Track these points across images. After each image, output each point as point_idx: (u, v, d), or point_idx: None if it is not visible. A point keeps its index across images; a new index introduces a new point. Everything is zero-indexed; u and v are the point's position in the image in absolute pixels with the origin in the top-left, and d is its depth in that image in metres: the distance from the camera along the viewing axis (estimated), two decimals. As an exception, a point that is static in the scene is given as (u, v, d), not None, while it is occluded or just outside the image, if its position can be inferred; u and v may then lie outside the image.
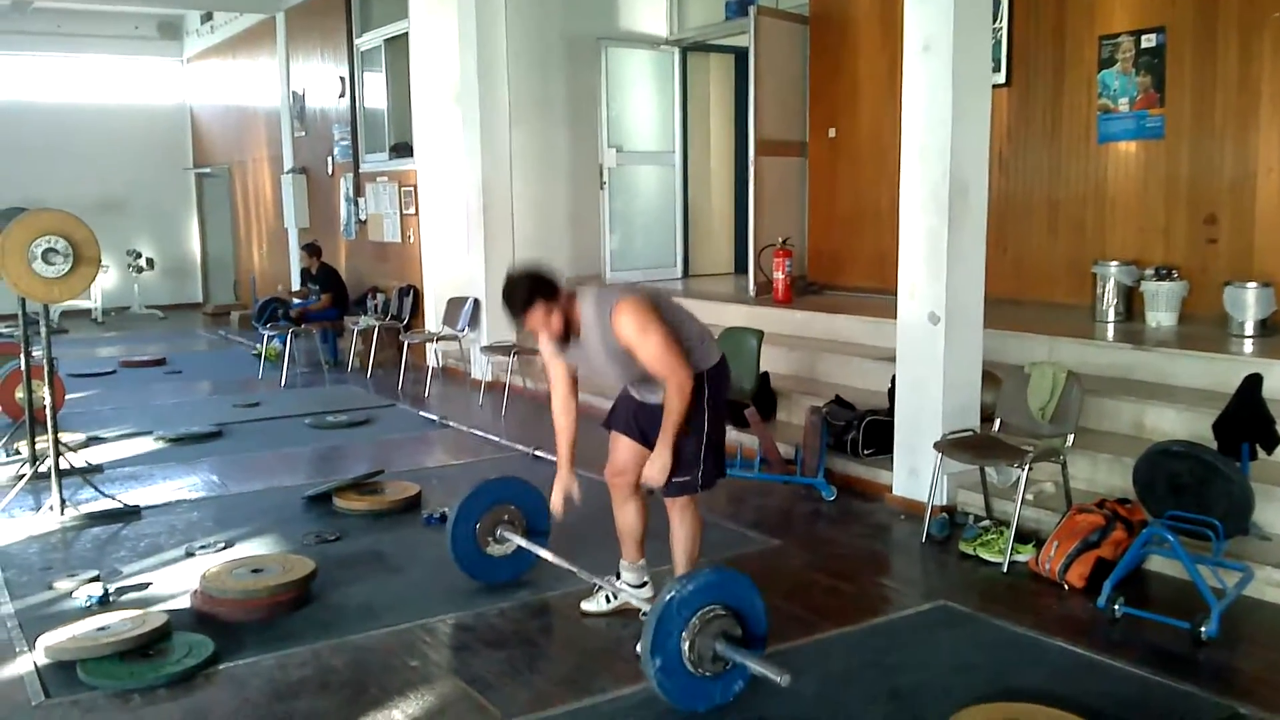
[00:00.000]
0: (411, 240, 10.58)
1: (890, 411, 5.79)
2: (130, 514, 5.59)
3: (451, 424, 7.84)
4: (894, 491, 5.63)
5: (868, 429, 5.97)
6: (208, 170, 16.57)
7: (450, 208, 9.79)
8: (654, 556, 4.17)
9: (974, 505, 5.28)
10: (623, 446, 4.02)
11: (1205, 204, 6.75)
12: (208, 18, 15.35)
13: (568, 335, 3.73)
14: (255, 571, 4.35)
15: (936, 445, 5.11)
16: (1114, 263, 6.86)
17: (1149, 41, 6.93)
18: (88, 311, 15.42)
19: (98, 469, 6.40)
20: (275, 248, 14.39)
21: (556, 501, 4.04)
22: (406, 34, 10.12)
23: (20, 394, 6.45)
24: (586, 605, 4.17)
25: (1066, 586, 4.37)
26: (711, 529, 5.22)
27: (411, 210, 10.49)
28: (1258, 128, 6.49)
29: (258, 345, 10.99)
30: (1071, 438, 4.94)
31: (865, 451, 5.96)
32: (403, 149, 10.74)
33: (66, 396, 7.80)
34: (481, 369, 9.06)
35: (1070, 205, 7.48)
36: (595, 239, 10.33)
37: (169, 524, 5.47)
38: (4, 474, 6.20)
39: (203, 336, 13.88)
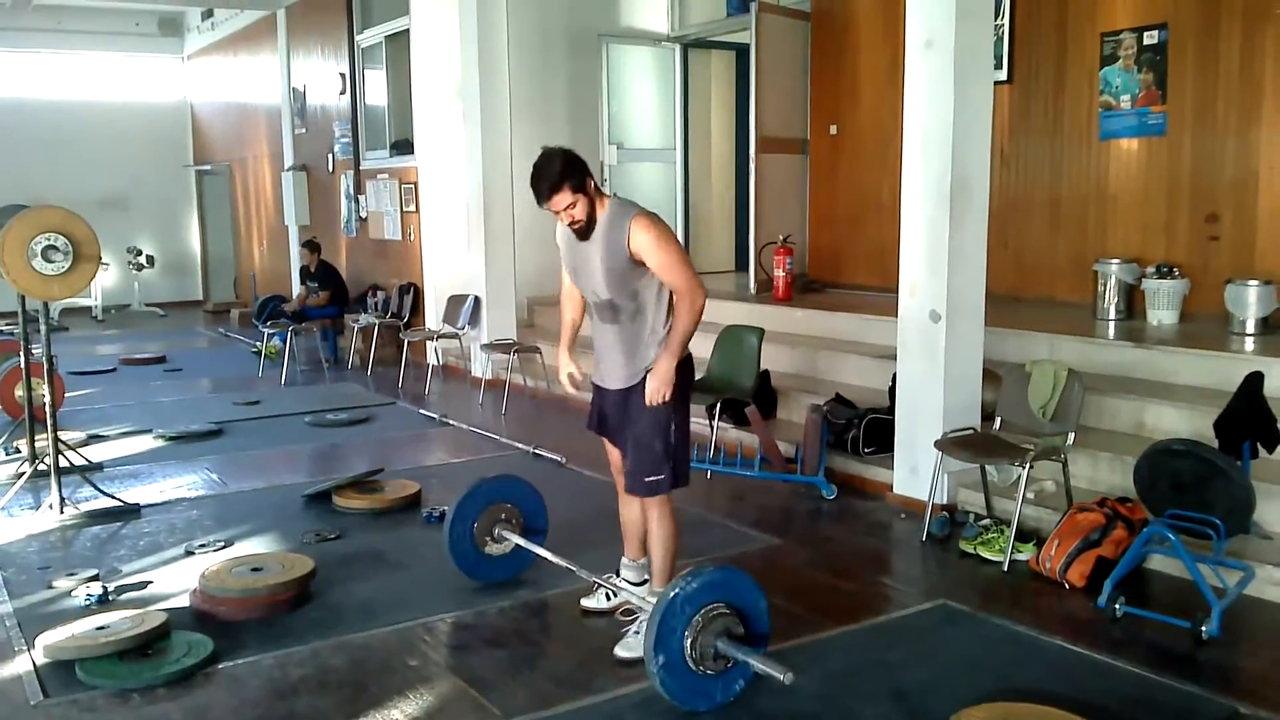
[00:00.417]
0: (412, 238, 10.57)
1: (891, 410, 5.78)
2: (130, 512, 5.58)
3: (451, 422, 7.83)
4: (894, 490, 5.62)
5: (868, 427, 5.96)
6: (208, 167, 16.57)
7: (451, 205, 9.78)
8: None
9: (975, 504, 5.27)
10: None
11: (1207, 201, 6.74)
12: (208, 14, 15.34)
13: (583, 230, 3.69)
14: (255, 570, 4.35)
15: (937, 444, 5.10)
16: (1115, 260, 6.84)
17: (1151, 38, 6.91)
18: (88, 309, 15.42)
19: (97, 467, 6.40)
20: (276, 245, 14.38)
21: (564, 381, 4.15)
22: (407, 30, 10.11)
23: (20, 392, 6.45)
24: (586, 602, 4.16)
25: (1067, 585, 4.36)
26: (712, 527, 5.24)
27: (412, 207, 10.48)
28: (1260, 125, 6.48)
29: (258, 343, 10.99)
30: (1072, 436, 4.93)
31: (866, 450, 5.95)
32: (403, 146, 10.73)
33: (66, 394, 7.79)
34: (482, 367, 9.05)
35: (1072, 203, 7.47)
36: (596, 236, 10.29)
37: (168, 522, 5.46)
38: (3, 472, 6.19)
39: (203, 334, 13.88)
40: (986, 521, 4.97)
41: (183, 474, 6.44)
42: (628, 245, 3.62)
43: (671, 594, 3.25)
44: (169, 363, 11.02)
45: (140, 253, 15.77)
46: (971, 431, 5.22)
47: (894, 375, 5.76)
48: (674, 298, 3.75)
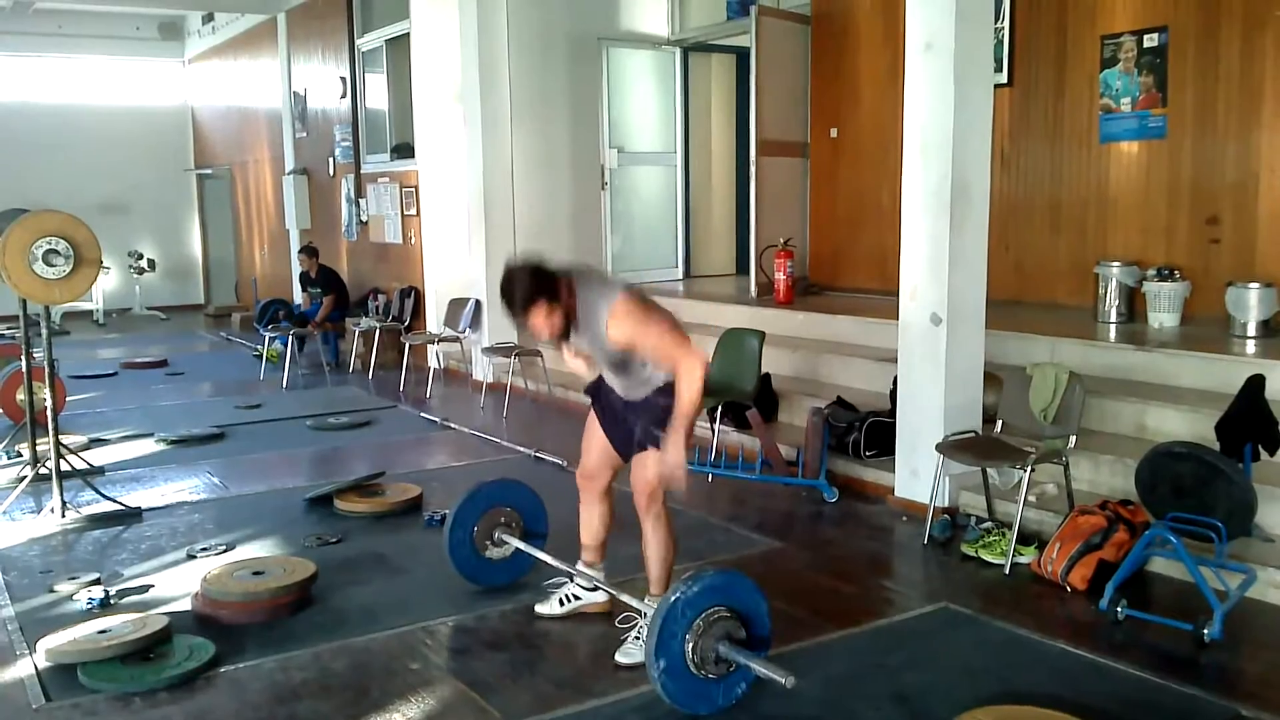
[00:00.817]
0: (413, 241, 10.58)
1: (892, 413, 5.78)
2: (131, 516, 5.59)
3: (453, 426, 7.83)
4: (896, 493, 5.62)
5: (869, 430, 5.96)
6: (209, 171, 16.58)
7: (451, 209, 9.79)
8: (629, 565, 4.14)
9: (976, 507, 5.27)
10: (596, 449, 3.99)
11: (1207, 204, 6.74)
12: (209, 19, 15.36)
13: (568, 329, 3.60)
14: (256, 574, 4.35)
15: (938, 447, 5.10)
16: (1116, 263, 6.85)
17: (1151, 41, 6.92)
18: (89, 313, 15.42)
19: (99, 471, 6.39)
20: (277, 249, 14.39)
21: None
22: (408, 34, 10.12)
23: (21, 396, 6.45)
24: (540, 608, 4.17)
25: (1069, 588, 4.36)
26: (713, 530, 5.24)
27: (413, 211, 10.48)
28: (1260, 127, 6.48)
29: (259, 347, 10.99)
30: (1073, 439, 4.92)
31: (867, 453, 5.95)
32: (404, 150, 10.74)
33: (68, 398, 7.79)
34: (483, 370, 9.05)
35: (1072, 205, 7.47)
36: (596, 240, 10.32)
37: (170, 526, 5.46)
38: (5, 476, 6.19)
39: (204, 338, 13.88)
40: (988, 524, 4.97)
41: (184, 478, 6.44)
42: (609, 336, 3.54)
43: (672, 598, 3.25)
44: (170, 366, 11.02)
45: (141, 257, 15.78)
46: (973, 434, 5.22)
47: (895, 378, 5.76)
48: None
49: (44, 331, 5.69)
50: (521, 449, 6.95)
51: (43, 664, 3.77)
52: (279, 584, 4.25)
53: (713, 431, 6.39)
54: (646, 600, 3.81)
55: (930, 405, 5.37)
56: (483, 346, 8.99)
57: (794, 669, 3.22)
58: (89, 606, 4.30)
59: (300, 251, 11.16)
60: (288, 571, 4.38)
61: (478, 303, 9.21)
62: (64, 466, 5.59)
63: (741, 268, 10.60)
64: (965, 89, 5.18)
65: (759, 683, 3.39)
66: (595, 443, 4.00)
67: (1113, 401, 5.55)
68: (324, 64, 12.34)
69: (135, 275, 15.81)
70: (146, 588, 4.57)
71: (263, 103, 14.29)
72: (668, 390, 3.61)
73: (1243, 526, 4.24)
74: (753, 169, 8.79)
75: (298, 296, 11.78)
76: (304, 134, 13.09)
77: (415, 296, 10.54)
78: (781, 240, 8.52)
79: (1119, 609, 4.04)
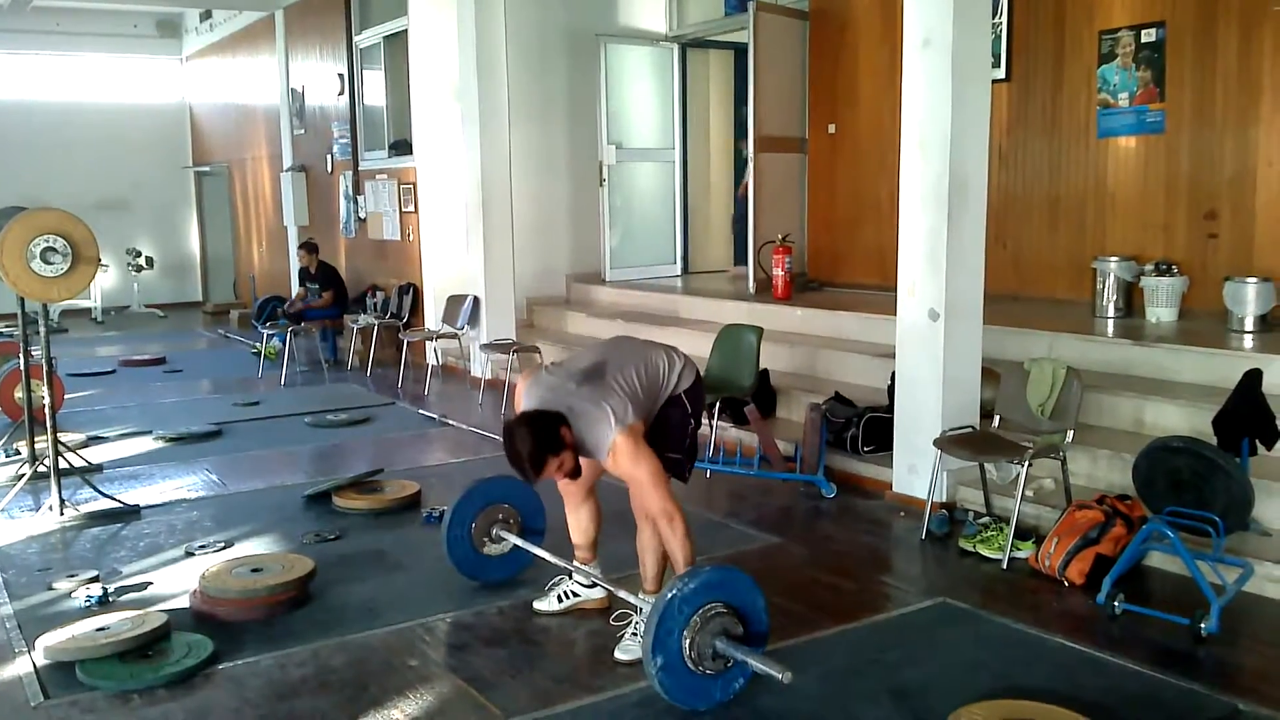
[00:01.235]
0: (411, 238, 10.57)
1: (890, 408, 5.79)
2: (129, 514, 5.59)
3: (451, 422, 7.84)
4: (894, 488, 5.62)
5: (867, 426, 5.97)
6: (207, 169, 16.56)
7: (450, 205, 9.78)
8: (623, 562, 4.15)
9: (974, 502, 5.28)
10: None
11: (1205, 199, 6.75)
12: (206, 16, 15.33)
13: (578, 466, 3.65)
14: (255, 571, 4.35)
15: (936, 442, 5.10)
16: (1114, 258, 6.85)
17: (1149, 36, 6.92)
18: (87, 311, 15.40)
19: (97, 469, 6.40)
20: (275, 246, 14.38)
21: None
22: (406, 31, 10.10)
23: (19, 394, 6.45)
24: (539, 605, 4.18)
25: (1066, 583, 4.36)
26: (711, 526, 5.24)
27: (411, 208, 10.47)
28: (1258, 122, 6.48)
29: (257, 344, 10.98)
30: (1071, 434, 4.93)
31: (865, 448, 5.95)
32: (402, 146, 10.73)
33: (66, 396, 7.79)
34: (481, 367, 9.06)
35: (1070, 201, 7.48)
36: (595, 236, 10.32)
37: (168, 524, 5.46)
38: (3, 474, 6.19)
39: (202, 335, 13.88)
40: (986, 519, 4.98)
41: (183, 475, 6.44)
42: (609, 465, 3.62)
43: (669, 594, 3.25)
44: (168, 364, 11.01)
45: (139, 254, 15.75)
46: (970, 430, 5.23)
47: (893, 374, 5.76)
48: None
49: (42, 329, 5.68)
50: (520, 445, 6.93)
51: (41, 661, 3.77)
52: (277, 581, 4.26)
53: (711, 427, 6.39)
54: (641, 596, 3.81)
55: (928, 401, 5.37)
56: (481, 343, 8.98)
57: (791, 664, 3.22)
58: (87, 604, 4.30)
59: (300, 247, 11.15)
60: (286, 568, 4.39)
61: (475, 299, 9.21)
62: (62, 464, 5.60)
63: (740, 263, 10.59)
64: (963, 85, 5.18)
65: (756, 678, 3.39)
66: None
67: (1110, 396, 5.55)
68: (322, 61, 12.33)
69: (133, 273, 15.79)
70: (145, 585, 4.58)
71: (261, 100, 14.27)
72: (672, 401, 3.76)
73: (1240, 521, 4.25)
74: (751, 165, 8.80)
75: (293, 292, 11.76)
76: (302, 131, 13.07)
77: (413, 293, 10.53)
78: (780, 236, 8.52)
79: (1116, 603, 4.04)
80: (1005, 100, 7.64)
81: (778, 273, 8.38)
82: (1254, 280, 6.11)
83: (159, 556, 4.96)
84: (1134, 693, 3.49)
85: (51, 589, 4.53)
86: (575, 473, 3.65)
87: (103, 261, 6.17)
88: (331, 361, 10.56)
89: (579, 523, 4.15)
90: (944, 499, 5.30)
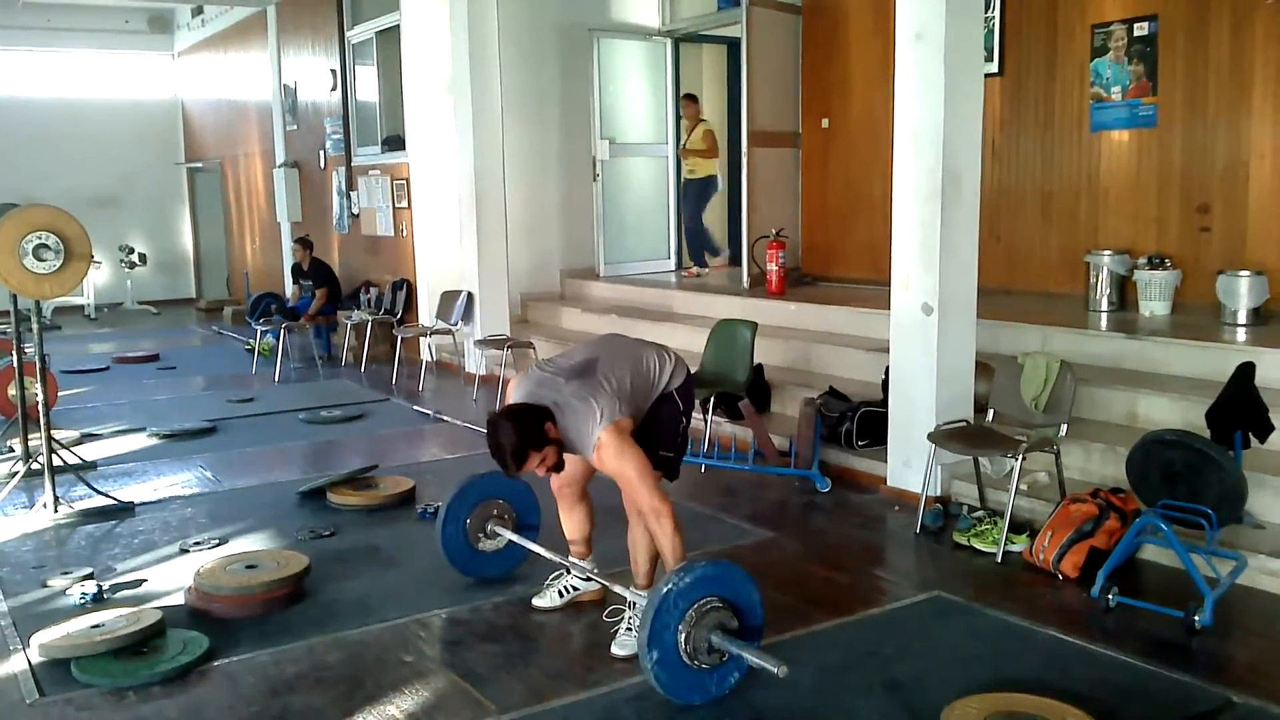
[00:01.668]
0: (404, 234, 10.56)
1: (884, 402, 5.79)
2: (124, 511, 5.58)
3: (445, 418, 7.83)
4: (888, 482, 5.63)
5: (862, 420, 5.97)
6: (199, 165, 16.53)
7: (443, 201, 9.77)
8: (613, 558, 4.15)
9: (968, 496, 5.29)
10: (572, 458, 3.99)
11: (1198, 192, 6.76)
12: (198, 11, 15.29)
13: (561, 462, 3.64)
14: (250, 567, 4.35)
15: (930, 436, 5.11)
16: (1107, 252, 6.86)
17: (1141, 30, 6.92)
18: (80, 307, 15.38)
19: (91, 466, 6.38)
20: (268, 242, 14.36)
21: None
22: (398, 26, 10.09)
23: (13, 391, 6.43)
24: (538, 601, 4.18)
25: (1060, 576, 4.38)
26: (706, 521, 5.25)
27: (404, 203, 10.46)
28: (1250, 115, 6.49)
29: (251, 340, 10.97)
30: (1065, 427, 4.94)
31: (859, 443, 5.96)
32: (395, 142, 10.71)
33: (59, 393, 7.79)
34: (475, 363, 9.05)
35: (1063, 195, 7.49)
36: (588, 231, 10.31)
37: (163, 520, 5.46)
38: (-3, 471, 6.18)
39: (196, 332, 13.85)
40: (980, 513, 4.99)
41: (177, 472, 6.43)
42: (595, 461, 3.60)
43: (665, 589, 3.25)
44: (162, 361, 10.99)
45: (132, 250, 15.72)
46: (964, 423, 5.23)
47: (887, 368, 5.76)
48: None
49: (35, 326, 5.66)
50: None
51: (36, 659, 3.76)
52: (272, 577, 4.25)
53: (705, 422, 6.39)
54: (632, 590, 3.82)
55: (922, 395, 5.38)
56: (475, 339, 8.98)
57: (786, 658, 3.23)
58: (82, 601, 4.30)
59: (295, 241, 11.13)
60: (281, 565, 4.38)
61: (470, 295, 9.20)
62: (56, 461, 5.58)
63: (734, 258, 10.60)
64: (956, 79, 5.19)
65: (752, 672, 3.40)
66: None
67: (1104, 390, 5.57)
68: (314, 56, 12.30)
69: (126, 269, 15.76)
70: (139, 582, 4.57)
71: (253, 96, 14.24)
72: (663, 399, 3.76)
73: (1233, 513, 4.25)
74: (744, 159, 8.79)
75: (289, 289, 11.75)
76: (294, 126, 13.04)
77: (407, 289, 10.52)
78: (773, 231, 8.52)
79: (1110, 596, 4.05)
80: (998, 94, 7.65)
81: (771, 267, 8.39)
82: (1246, 273, 6.12)
83: (153, 553, 4.95)
84: (1128, 685, 3.50)
85: (46, 586, 4.52)
86: (558, 467, 3.64)
87: (95, 258, 6.14)
88: (325, 358, 10.55)
89: (573, 523, 4.16)
90: (938, 493, 5.31)
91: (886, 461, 5.66)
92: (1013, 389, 5.14)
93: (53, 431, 5.65)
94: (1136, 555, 4.50)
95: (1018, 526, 4.75)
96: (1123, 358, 5.92)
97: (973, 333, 5.49)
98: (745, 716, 3.33)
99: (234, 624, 4.06)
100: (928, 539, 4.99)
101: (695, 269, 10.23)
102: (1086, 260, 6.96)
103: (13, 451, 6.48)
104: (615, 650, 3.75)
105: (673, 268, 10.77)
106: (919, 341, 5.39)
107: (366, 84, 11.39)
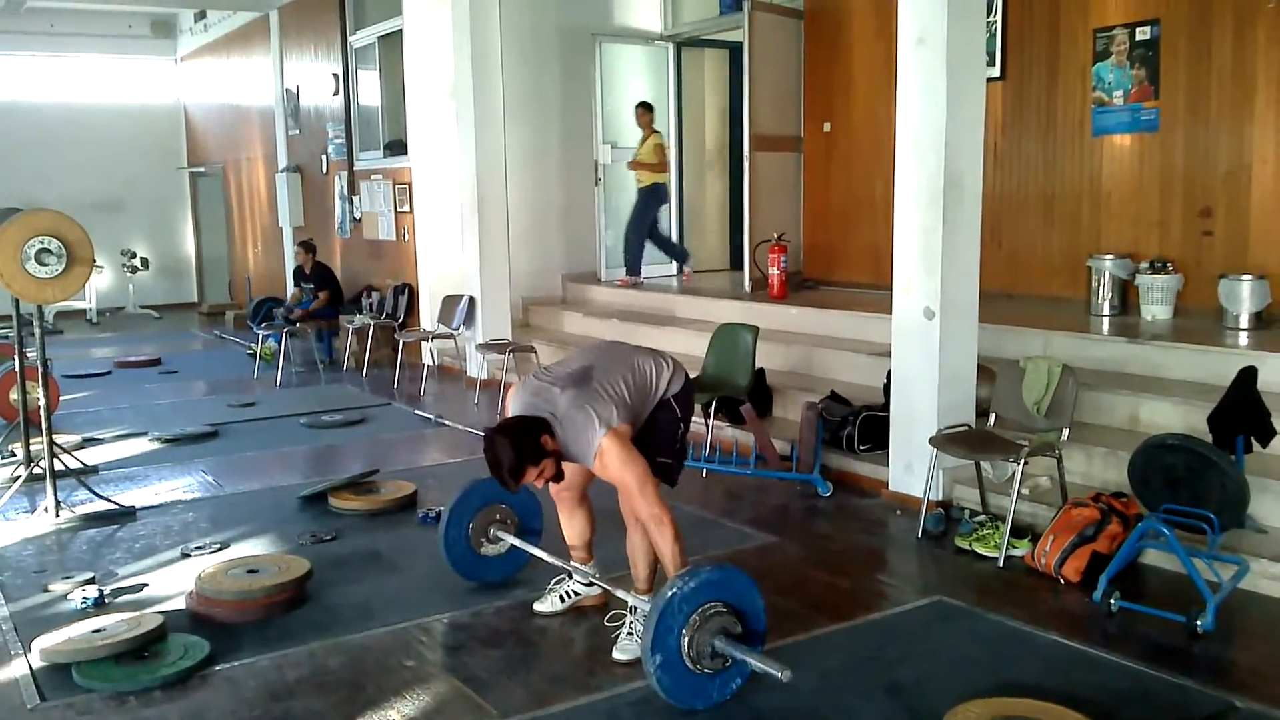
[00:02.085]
0: (406, 238, 10.56)
1: (886, 407, 5.79)
2: (125, 515, 5.58)
3: (447, 422, 7.83)
4: (890, 487, 5.63)
5: (863, 424, 5.97)
6: (202, 169, 16.54)
7: (445, 205, 9.78)
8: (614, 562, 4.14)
9: (969, 500, 5.28)
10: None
11: (1200, 197, 6.76)
12: (201, 16, 15.31)
13: (560, 473, 3.65)
14: (251, 572, 4.35)
15: (932, 440, 5.11)
16: (1109, 256, 6.86)
17: (1143, 34, 6.93)
18: (82, 312, 15.38)
19: (93, 470, 6.38)
20: (270, 247, 14.37)
21: None
22: (400, 31, 10.11)
23: (15, 395, 6.43)
24: (539, 606, 4.18)
25: (1062, 581, 4.37)
26: (708, 526, 5.24)
27: (406, 208, 10.47)
28: (1252, 120, 6.49)
29: (253, 345, 10.97)
30: (1067, 432, 4.94)
31: (861, 447, 5.95)
32: (397, 146, 10.72)
33: (61, 397, 7.78)
34: (477, 367, 9.05)
35: (1065, 199, 7.48)
36: (590, 235, 10.32)
37: (164, 525, 5.46)
38: (-1, 476, 6.19)
39: (198, 336, 13.86)
40: (982, 518, 4.98)
41: (178, 476, 6.43)
42: (596, 469, 3.61)
43: (669, 593, 3.25)
44: (164, 365, 10.99)
45: (134, 255, 15.72)
46: (966, 428, 5.23)
47: (889, 372, 5.76)
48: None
49: (37, 330, 5.67)
50: (516, 445, 6.93)
51: (37, 664, 3.77)
52: (273, 582, 4.25)
53: (707, 427, 6.39)
54: (633, 594, 3.81)
55: (924, 399, 5.38)
56: (477, 343, 8.98)
57: (788, 663, 3.22)
58: (83, 606, 4.29)
59: (298, 244, 11.14)
60: (282, 569, 4.38)
61: (471, 299, 9.20)
62: (58, 466, 5.59)
63: (735, 262, 10.60)
64: (958, 83, 5.19)
65: (754, 677, 3.39)
66: None
67: (1106, 394, 5.56)
68: (316, 61, 12.31)
69: (128, 274, 15.76)
70: (141, 587, 4.57)
71: (255, 100, 14.25)
72: (661, 405, 3.75)
73: (1235, 518, 4.25)
74: (746, 164, 8.79)
75: (289, 293, 11.76)
76: (297, 131, 13.06)
77: (409, 293, 10.53)
78: (775, 235, 8.52)
79: (1112, 601, 4.05)
80: (1000, 98, 7.65)
81: (773, 271, 8.39)
82: (1248, 278, 6.12)
83: (155, 558, 4.95)
84: (1129, 690, 3.49)
85: (47, 591, 4.52)
86: (558, 477, 3.65)
87: (97, 263, 6.15)
88: (327, 362, 10.55)
89: (573, 528, 4.15)
90: (940, 497, 5.30)
91: (888, 466, 5.65)
92: (1014, 393, 5.13)
93: (54, 436, 5.65)
94: (1138, 560, 4.48)
95: (1019, 531, 4.75)
96: (1124, 362, 5.91)
97: (974, 337, 5.48)
98: (747, 721, 3.33)
99: (235, 629, 4.06)
100: (929, 543, 4.98)
101: (629, 278, 9.98)
102: (1088, 264, 6.95)
103: (14, 456, 6.48)
104: (617, 655, 3.74)
105: (674, 272, 10.76)
106: (921, 346, 5.39)
107: (369, 89, 11.41)
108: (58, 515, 5.44)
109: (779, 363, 7.25)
